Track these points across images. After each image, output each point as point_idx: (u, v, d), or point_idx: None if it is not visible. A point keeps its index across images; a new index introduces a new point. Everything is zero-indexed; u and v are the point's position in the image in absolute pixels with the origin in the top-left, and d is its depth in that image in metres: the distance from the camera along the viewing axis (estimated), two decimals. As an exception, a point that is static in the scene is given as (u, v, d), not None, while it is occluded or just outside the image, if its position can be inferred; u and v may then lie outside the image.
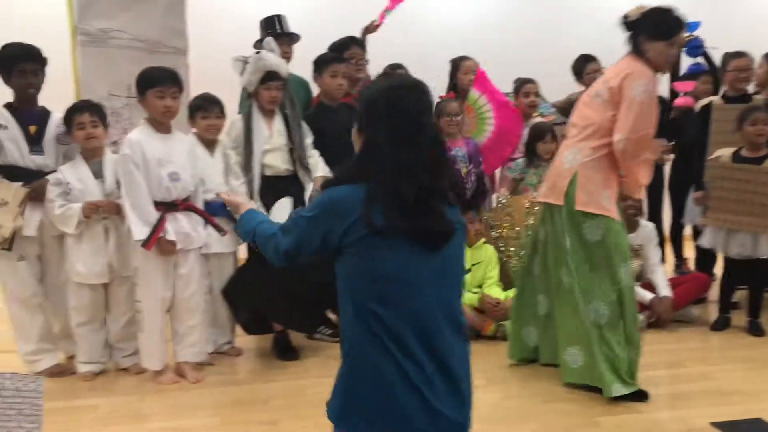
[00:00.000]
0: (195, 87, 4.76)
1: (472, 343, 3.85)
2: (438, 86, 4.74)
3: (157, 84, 3.34)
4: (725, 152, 3.99)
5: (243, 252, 3.84)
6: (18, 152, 3.43)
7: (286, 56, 4.09)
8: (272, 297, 3.47)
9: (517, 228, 4.35)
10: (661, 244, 4.48)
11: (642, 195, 3.62)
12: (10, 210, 3.35)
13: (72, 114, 3.45)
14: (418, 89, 1.53)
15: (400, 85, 1.54)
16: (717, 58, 4.75)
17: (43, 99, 3.60)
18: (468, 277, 4.19)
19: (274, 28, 4.43)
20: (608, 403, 3.06)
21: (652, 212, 4.78)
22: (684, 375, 3.44)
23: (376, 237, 1.43)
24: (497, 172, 4.96)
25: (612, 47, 5.62)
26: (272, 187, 3.56)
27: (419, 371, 1.47)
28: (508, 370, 3.55)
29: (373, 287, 1.45)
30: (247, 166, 3.60)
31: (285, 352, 3.78)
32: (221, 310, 3.76)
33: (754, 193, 3.85)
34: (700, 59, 4.97)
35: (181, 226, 3.37)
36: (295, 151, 3.67)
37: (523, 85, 4.78)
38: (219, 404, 3.20)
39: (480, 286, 4.20)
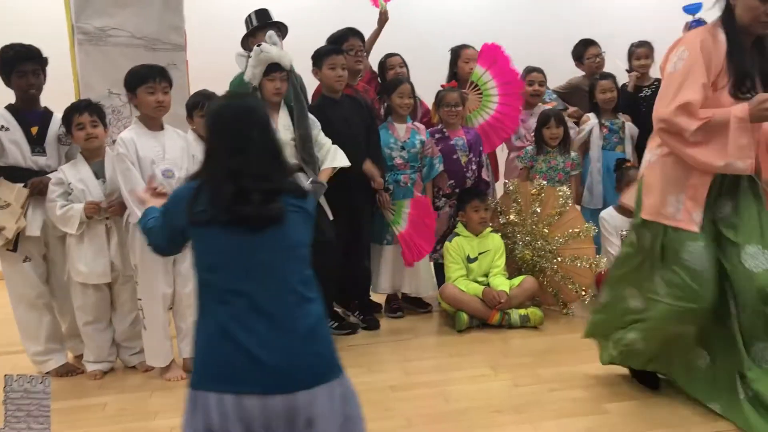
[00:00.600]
0: (194, 83, 4.77)
1: (479, 332, 3.95)
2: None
3: (147, 80, 3.34)
4: None
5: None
6: (20, 153, 3.43)
7: None
8: None
9: (523, 215, 4.34)
10: None
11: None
12: (13, 211, 3.35)
13: (71, 114, 3.44)
14: (247, 110, 1.83)
15: (228, 106, 1.86)
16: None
17: (44, 99, 3.60)
18: (474, 265, 4.19)
19: (264, 19, 4.41)
20: (616, 390, 3.06)
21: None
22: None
23: (199, 225, 1.75)
24: (502, 160, 4.95)
25: (611, 31, 5.69)
26: None
27: (242, 327, 1.69)
28: (515, 359, 3.54)
29: (203, 260, 1.77)
30: None
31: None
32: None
33: None
34: None
35: None
36: (300, 143, 3.64)
37: (529, 73, 4.77)
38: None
39: (486, 275, 4.20)
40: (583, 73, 5.06)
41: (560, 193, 4.27)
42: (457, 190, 4.36)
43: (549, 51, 5.40)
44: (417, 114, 4.57)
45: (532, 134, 4.61)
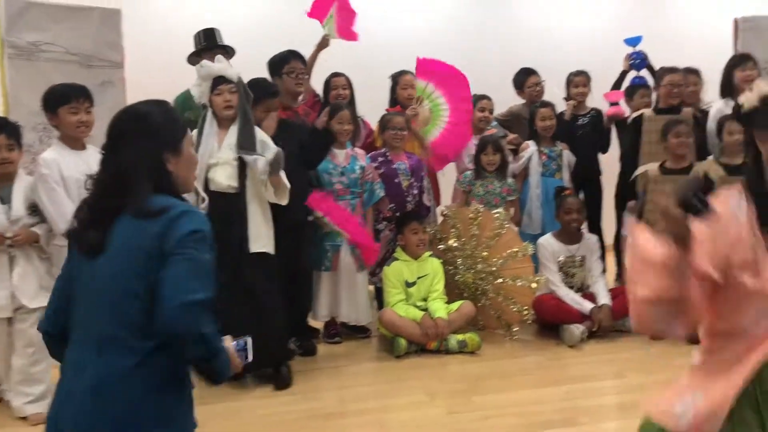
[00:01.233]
0: (131, 100, 4.66)
1: (417, 357, 3.93)
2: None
3: (70, 100, 3.23)
4: (652, 166, 4.08)
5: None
6: None
7: None
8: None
9: (463, 239, 4.36)
10: (603, 255, 4.54)
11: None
12: None
13: None
14: (126, 114, 1.70)
15: (121, 111, 1.79)
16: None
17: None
18: (413, 290, 4.18)
19: (212, 41, 4.37)
20: (552, 417, 3.07)
21: (592, 224, 4.85)
22: (626, 385, 3.47)
23: (69, 248, 1.68)
24: (443, 184, 4.98)
25: (556, 62, 5.80)
26: (213, 203, 3.42)
27: (65, 368, 1.59)
28: (451, 385, 3.53)
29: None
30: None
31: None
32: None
33: None
34: (643, 73, 5.07)
35: None
36: (241, 150, 3.47)
37: (479, 100, 4.84)
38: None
39: (425, 299, 4.19)
40: (524, 100, 5.15)
41: (497, 216, 4.32)
42: (397, 214, 4.36)
43: (492, 78, 5.49)
44: (360, 136, 4.57)
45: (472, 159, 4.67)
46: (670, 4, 7.12)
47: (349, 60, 4.87)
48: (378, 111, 4.73)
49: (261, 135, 3.58)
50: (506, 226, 4.34)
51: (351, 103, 4.49)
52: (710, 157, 4.18)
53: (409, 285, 4.18)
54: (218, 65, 3.60)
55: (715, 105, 4.55)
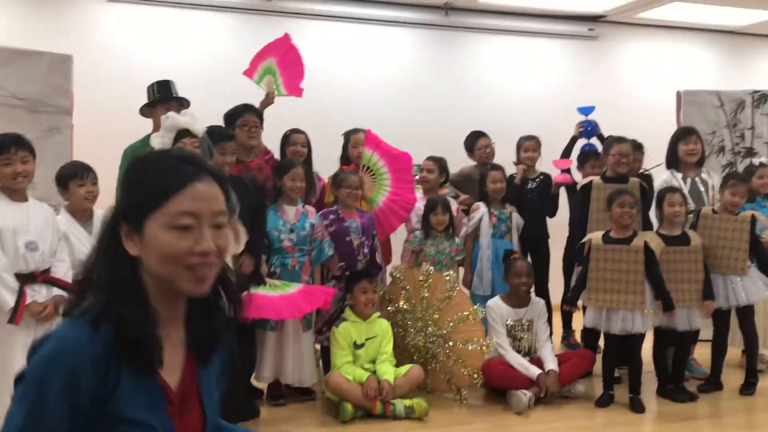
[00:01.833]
0: (78, 147, 4.56)
1: (363, 422, 3.85)
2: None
3: (2, 151, 3.12)
4: (596, 234, 4.16)
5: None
6: None
7: None
8: None
9: (413, 301, 4.33)
10: (550, 318, 4.57)
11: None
12: None
13: None
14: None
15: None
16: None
17: None
18: (362, 352, 4.11)
19: (167, 92, 4.31)
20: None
21: (539, 287, 4.89)
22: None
23: None
24: (395, 242, 4.97)
25: (504, 123, 5.94)
26: None
27: None
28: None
29: None
30: None
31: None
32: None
33: (627, 272, 4.02)
34: (593, 140, 5.20)
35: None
36: None
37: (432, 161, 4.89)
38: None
39: (374, 362, 4.13)
40: (474, 162, 5.21)
41: (447, 278, 4.31)
42: (347, 273, 4.31)
43: (443, 138, 5.56)
44: (315, 191, 4.55)
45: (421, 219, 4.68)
46: (618, 74, 7.39)
47: (303, 113, 4.89)
48: (328, 166, 4.74)
49: None
50: (457, 288, 4.34)
51: (308, 160, 4.48)
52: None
53: (357, 347, 4.11)
54: (184, 118, 3.57)
55: (661, 176, 4.70)
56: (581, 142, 5.18)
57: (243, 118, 4.16)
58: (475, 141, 5.16)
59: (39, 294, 3.15)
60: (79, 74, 4.68)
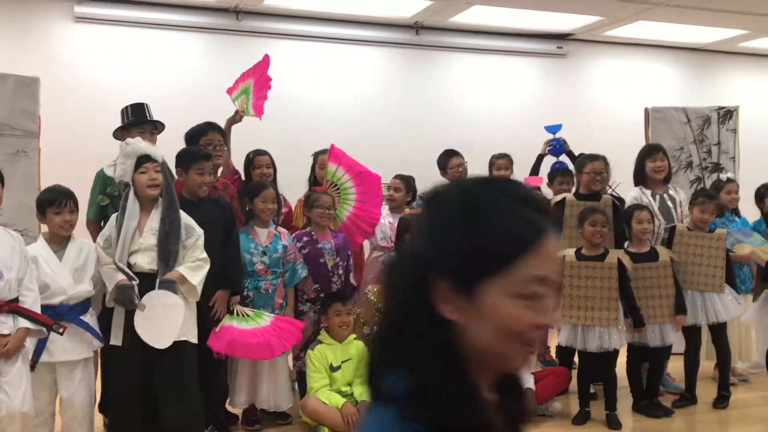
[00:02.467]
0: (46, 170, 4.47)
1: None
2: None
3: None
4: (569, 251, 4.19)
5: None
6: None
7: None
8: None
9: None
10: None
11: None
12: None
13: None
14: None
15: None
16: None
17: None
18: (338, 374, 4.06)
19: (141, 116, 4.24)
20: None
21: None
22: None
23: None
24: (366, 261, 4.95)
25: (475, 141, 5.97)
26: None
27: None
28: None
29: None
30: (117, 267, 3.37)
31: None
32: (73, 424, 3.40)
33: (601, 288, 4.06)
34: (562, 158, 5.25)
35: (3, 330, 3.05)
36: (162, 237, 3.41)
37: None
38: None
39: (351, 384, 4.08)
40: (447, 181, 5.21)
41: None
42: (322, 295, 4.27)
43: (418, 155, 5.57)
44: (280, 214, 4.52)
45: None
46: (587, 91, 7.50)
47: (269, 133, 4.86)
48: (298, 186, 4.70)
49: (186, 219, 3.51)
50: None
51: (273, 181, 4.45)
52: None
53: (333, 369, 4.06)
54: (144, 143, 3.53)
55: (630, 193, 4.75)
56: (549, 160, 5.22)
57: (206, 137, 4.11)
58: (447, 160, 5.18)
59: (5, 325, 3.05)
60: (47, 96, 4.60)
